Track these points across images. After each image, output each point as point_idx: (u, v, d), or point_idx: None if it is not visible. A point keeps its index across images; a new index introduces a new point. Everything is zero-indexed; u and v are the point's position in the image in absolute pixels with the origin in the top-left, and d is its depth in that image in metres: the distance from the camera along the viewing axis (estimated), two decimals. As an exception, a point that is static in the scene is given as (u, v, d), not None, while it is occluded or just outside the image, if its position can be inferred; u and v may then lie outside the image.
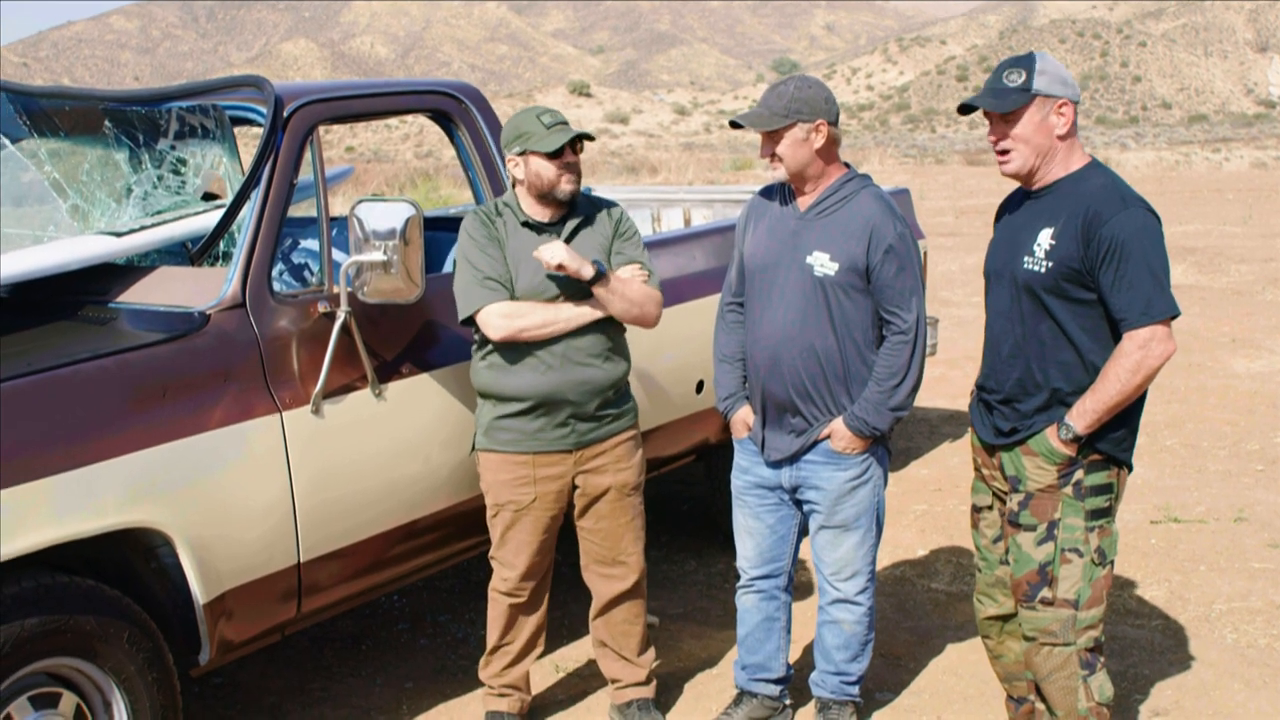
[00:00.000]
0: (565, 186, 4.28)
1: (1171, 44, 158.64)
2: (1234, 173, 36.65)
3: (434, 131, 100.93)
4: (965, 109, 3.86)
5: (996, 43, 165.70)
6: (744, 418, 4.46)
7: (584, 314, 4.28)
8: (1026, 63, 3.74)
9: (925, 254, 7.07)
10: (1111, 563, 3.84)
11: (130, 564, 3.94)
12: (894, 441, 4.53)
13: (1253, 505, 7.05)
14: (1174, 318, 3.62)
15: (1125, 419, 3.76)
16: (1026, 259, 3.75)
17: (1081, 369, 3.73)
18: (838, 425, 4.26)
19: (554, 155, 4.22)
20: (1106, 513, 3.79)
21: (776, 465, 4.38)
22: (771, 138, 4.18)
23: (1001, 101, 3.74)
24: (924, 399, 9.30)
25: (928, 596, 5.94)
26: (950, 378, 10.37)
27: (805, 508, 4.44)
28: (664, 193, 8.76)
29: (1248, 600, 5.74)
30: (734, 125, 4.22)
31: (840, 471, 4.31)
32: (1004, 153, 3.80)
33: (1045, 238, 3.71)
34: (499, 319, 4.20)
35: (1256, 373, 10.31)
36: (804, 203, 4.28)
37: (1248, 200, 24.29)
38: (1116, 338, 3.66)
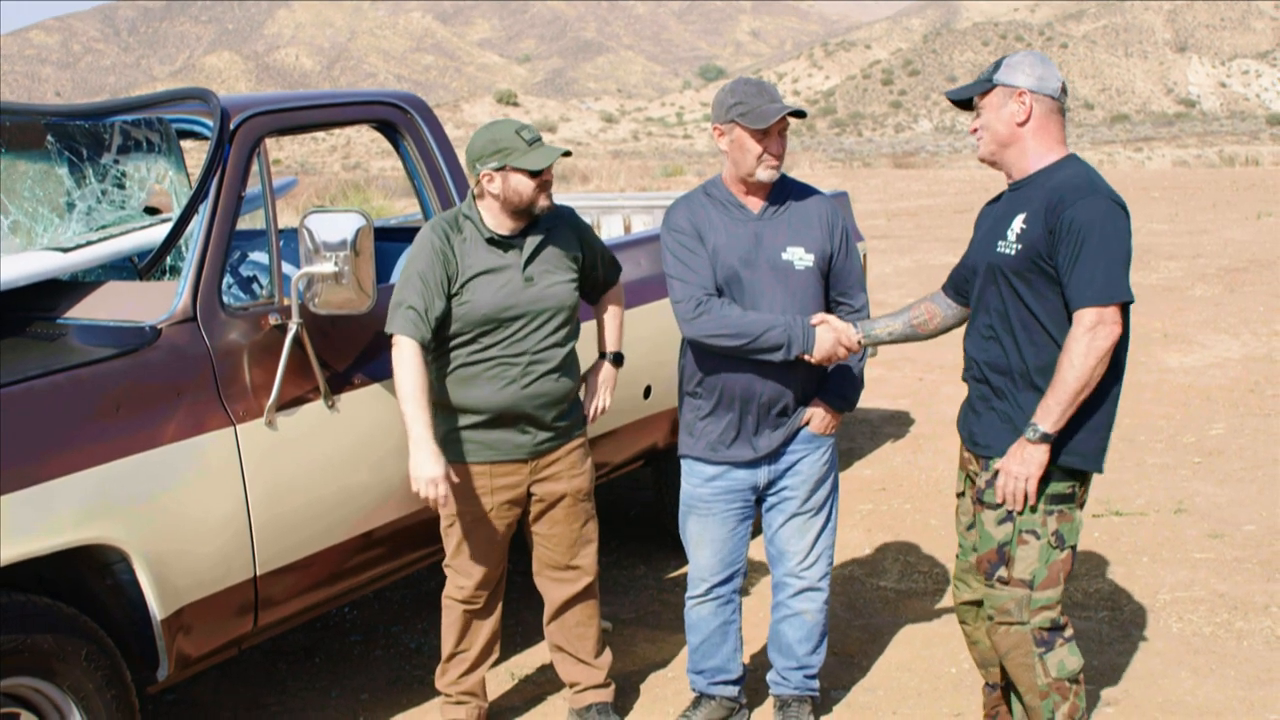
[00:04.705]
0: (542, 203, 4.26)
1: (1093, 45, 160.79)
2: (1157, 171, 37.14)
3: (361, 143, 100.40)
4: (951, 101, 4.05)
5: (920, 46, 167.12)
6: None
7: (411, 416, 4.10)
8: (1004, 59, 3.89)
9: (865, 256, 7.13)
10: (1072, 548, 3.88)
11: (86, 581, 3.91)
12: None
13: (1191, 497, 7.17)
14: (1127, 304, 3.64)
15: (1094, 429, 3.77)
16: (1000, 244, 3.82)
17: (1054, 346, 3.72)
18: (816, 408, 4.35)
19: (536, 173, 4.20)
20: (1069, 498, 3.82)
21: (754, 465, 4.39)
22: None
23: (956, 90, 3.96)
24: (864, 400, 9.36)
25: (877, 594, 5.99)
26: (889, 379, 10.45)
27: (775, 499, 4.46)
28: (604, 200, 8.71)
29: (1191, 590, 5.83)
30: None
31: (820, 454, 4.42)
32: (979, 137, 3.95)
33: (1018, 222, 3.77)
34: (395, 351, 4.13)
35: (1189, 367, 10.47)
36: (754, 204, 4.32)
37: (1173, 198, 24.64)
38: None
